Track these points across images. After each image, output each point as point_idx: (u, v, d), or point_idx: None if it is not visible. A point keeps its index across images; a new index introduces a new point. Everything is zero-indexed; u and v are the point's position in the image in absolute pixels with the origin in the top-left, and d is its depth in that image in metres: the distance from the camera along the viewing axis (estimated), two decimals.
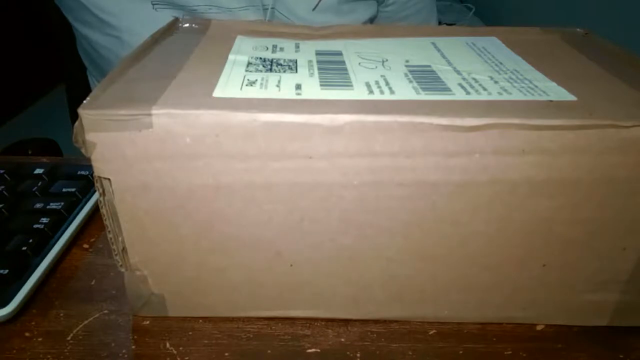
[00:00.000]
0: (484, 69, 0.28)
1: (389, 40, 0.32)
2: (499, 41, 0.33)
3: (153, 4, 0.55)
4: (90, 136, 0.23)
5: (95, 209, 0.36)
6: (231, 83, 0.25)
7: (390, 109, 0.23)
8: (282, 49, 0.30)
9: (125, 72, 0.26)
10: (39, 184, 0.36)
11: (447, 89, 0.25)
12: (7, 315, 0.27)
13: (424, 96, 0.24)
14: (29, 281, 0.29)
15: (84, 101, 0.23)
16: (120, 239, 0.25)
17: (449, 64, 0.29)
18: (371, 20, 0.64)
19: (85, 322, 0.28)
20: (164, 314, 0.28)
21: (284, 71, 0.27)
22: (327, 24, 0.34)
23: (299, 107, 0.23)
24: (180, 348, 0.27)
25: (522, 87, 0.26)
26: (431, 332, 0.28)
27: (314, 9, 0.56)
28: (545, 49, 0.32)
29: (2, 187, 0.36)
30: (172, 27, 0.34)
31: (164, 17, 0.54)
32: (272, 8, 0.56)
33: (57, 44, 0.73)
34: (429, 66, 0.28)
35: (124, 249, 0.26)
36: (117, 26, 0.56)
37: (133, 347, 0.27)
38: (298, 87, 0.25)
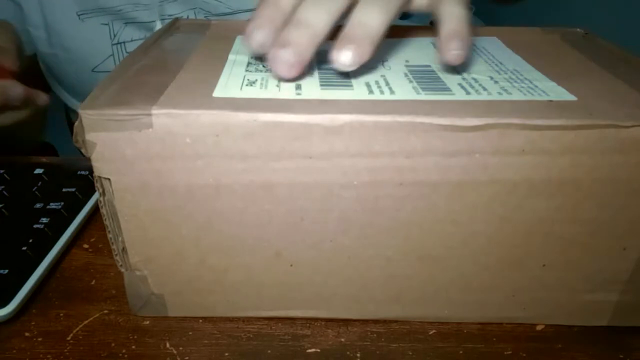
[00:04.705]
0: (484, 69, 0.28)
1: (389, 40, 0.32)
2: (499, 41, 0.33)
3: (78, 15, 0.52)
4: (90, 136, 0.23)
5: (95, 209, 0.36)
6: (231, 83, 0.25)
7: (390, 109, 0.23)
8: None
9: (125, 72, 0.26)
10: (39, 184, 0.36)
11: (447, 89, 0.25)
12: (7, 315, 0.27)
13: (424, 96, 0.24)
14: (29, 281, 0.29)
15: (84, 101, 0.23)
16: (120, 239, 0.25)
17: None
18: None
19: (85, 322, 0.28)
20: (164, 314, 0.28)
21: None
22: None
23: (299, 107, 0.23)
24: (180, 348, 0.27)
25: (522, 87, 0.26)
26: (431, 332, 0.28)
27: None
28: (545, 49, 0.32)
29: (2, 187, 0.36)
30: (172, 27, 0.34)
31: (92, 25, 0.52)
32: None
33: None
34: (429, 66, 0.28)
35: (124, 249, 0.26)
36: (53, 43, 0.54)
37: (133, 347, 0.27)
38: (298, 87, 0.25)
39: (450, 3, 0.27)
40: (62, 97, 0.62)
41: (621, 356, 0.27)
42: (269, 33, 0.25)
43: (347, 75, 0.27)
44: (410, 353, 0.27)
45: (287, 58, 0.24)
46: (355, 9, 0.25)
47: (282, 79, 0.25)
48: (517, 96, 0.25)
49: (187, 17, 0.52)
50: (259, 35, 0.25)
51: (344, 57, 0.24)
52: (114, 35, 0.53)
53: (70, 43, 0.54)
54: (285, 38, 0.24)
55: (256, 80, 0.26)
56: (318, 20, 0.24)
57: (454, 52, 0.25)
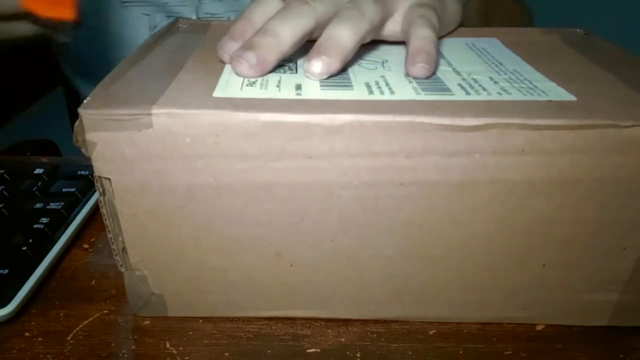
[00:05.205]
0: (483, 70, 0.28)
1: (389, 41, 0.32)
2: (498, 42, 0.33)
3: (122, 1, 0.53)
4: (90, 136, 0.23)
5: (95, 209, 0.36)
6: (231, 83, 0.25)
7: (390, 109, 0.23)
8: None
9: (125, 72, 0.26)
10: (39, 184, 0.36)
11: (446, 89, 0.25)
12: (7, 315, 0.27)
13: (424, 96, 0.25)
14: (29, 281, 0.29)
15: (85, 101, 0.23)
16: (120, 239, 0.25)
17: (449, 64, 0.29)
18: None
19: (85, 322, 0.28)
20: (164, 314, 0.28)
21: (284, 71, 0.27)
22: None
23: (299, 107, 0.23)
24: (180, 348, 0.27)
25: (522, 87, 0.26)
26: (431, 332, 0.28)
27: None
28: (545, 50, 0.32)
29: (2, 187, 0.36)
30: (172, 28, 0.34)
31: (133, 14, 0.53)
32: None
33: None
34: None
35: (124, 249, 0.26)
36: (89, 25, 0.54)
37: (133, 347, 0.27)
38: (298, 87, 0.25)
39: (419, 25, 0.29)
40: (79, 88, 0.62)
41: (621, 356, 0.27)
42: (239, 45, 0.27)
43: (347, 75, 0.27)
44: (410, 353, 0.27)
45: (249, 59, 0.26)
46: (328, 26, 0.27)
47: (244, 77, 0.26)
48: (517, 96, 0.25)
49: (229, 18, 0.53)
50: (229, 46, 0.27)
51: (314, 67, 0.26)
52: (154, 27, 0.54)
53: (108, 26, 0.54)
54: (250, 42, 0.26)
55: (256, 80, 0.26)
56: (283, 32, 0.26)
57: (419, 65, 0.27)
